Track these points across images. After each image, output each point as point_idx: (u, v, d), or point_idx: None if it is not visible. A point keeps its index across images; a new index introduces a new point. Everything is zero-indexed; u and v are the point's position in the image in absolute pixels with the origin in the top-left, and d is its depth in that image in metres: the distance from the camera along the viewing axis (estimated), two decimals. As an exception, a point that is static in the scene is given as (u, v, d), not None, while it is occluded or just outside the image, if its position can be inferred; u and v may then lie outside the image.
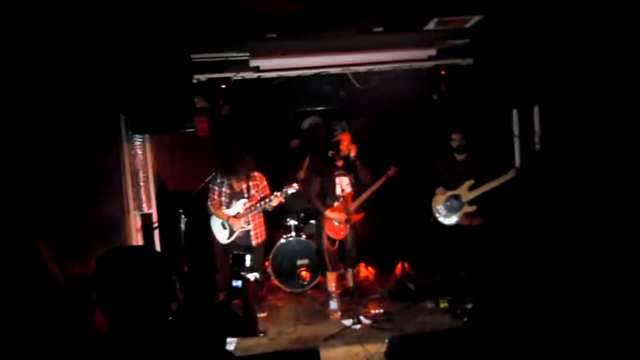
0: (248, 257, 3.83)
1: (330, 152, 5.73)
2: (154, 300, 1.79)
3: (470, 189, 5.63)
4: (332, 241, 5.83)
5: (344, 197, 5.68)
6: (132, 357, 1.74)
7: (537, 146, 5.93)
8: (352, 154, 5.65)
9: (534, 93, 5.49)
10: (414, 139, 6.77)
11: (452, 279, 5.87)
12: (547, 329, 1.61)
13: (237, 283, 3.56)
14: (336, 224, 5.75)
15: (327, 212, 5.73)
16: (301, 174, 6.77)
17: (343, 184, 5.75)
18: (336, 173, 5.76)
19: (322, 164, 5.93)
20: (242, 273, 3.65)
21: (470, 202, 5.63)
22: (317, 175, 5.92)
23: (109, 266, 1.78)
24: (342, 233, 5.72)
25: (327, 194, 5.81)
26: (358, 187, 5.74)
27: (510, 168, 5.54)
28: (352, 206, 5.62)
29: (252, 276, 3.67)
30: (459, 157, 5.77)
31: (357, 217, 5.76)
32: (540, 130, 5.89)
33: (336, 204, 5.73)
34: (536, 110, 5.97)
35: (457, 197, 5.72)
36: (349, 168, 5.73)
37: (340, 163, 5.73)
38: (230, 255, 3.99)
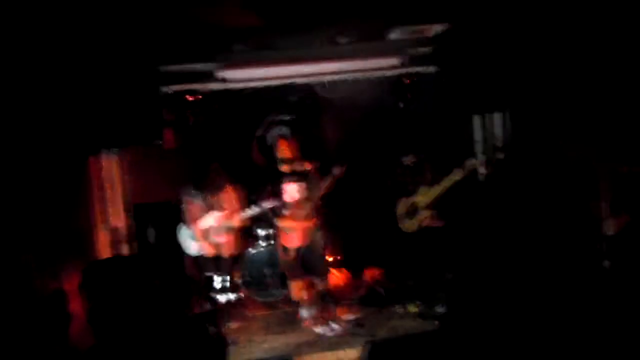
0: (219, 280, 3.81)
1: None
2: (139, 307, 1.79)
3: (424, 194, 5.77)
4: (287, 250, 5.74)
5: (293, 203, 5.62)
6: None
7: (498, 151, 6.11)
8: (308, 167, 5.52)
9: (496, 99, 5.67)
10: (380, 147, 6.86)
11: (421, 282, 5.97)
12: (517, 326, 1.69)
13: (207, 305, 3.54)
14: (288, 232, 5.67)
15: (277, 222, 5.68)
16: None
17: (292, 191, 5.62)
18: (284, 179, 5.62)
19: (273, 172, 5.79)
20: (212, 295, 3.62)
21: (428, 207, 5.75)
22: (267, 185, 5.80)
23: (95, 276, 1.79)
24: (296, 241, 5.64)
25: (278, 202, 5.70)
26: (310, 193, 5.57)
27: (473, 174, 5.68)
28: (303, 211, 5.52)
29: (223, 298, 3.64)
30: (409, 162, 5.91)
31: (306, 224, 5.58)
32: (502, 135, 6.08)
33: (287, 212, 5.65)
34: (497, 116, 6.16)
35: (414, 203, 5.85)
36: (297, 174, 5.56)
37: (285, 168, 5.59)
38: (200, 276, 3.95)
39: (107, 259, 2.19)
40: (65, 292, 3.73)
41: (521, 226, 5.39)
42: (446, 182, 5.53)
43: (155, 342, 1.83)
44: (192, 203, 5.62)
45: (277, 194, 5.67)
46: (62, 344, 3.48)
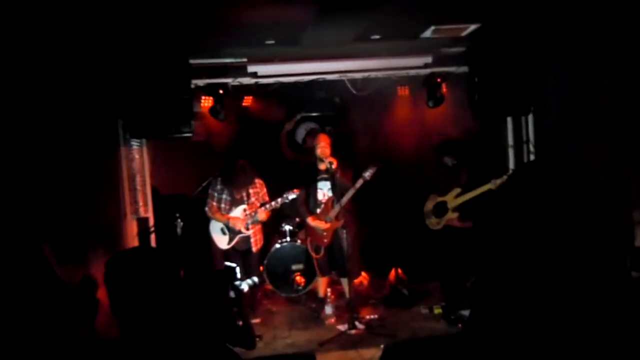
0: (238, 269, 3.85)
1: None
2: (163, 300, 1.81)
3: (457, 196, 5.73)
4: (317, 249, 5.76)
5: (325, 202, 5.64)
6: (142, 357, 1.76)
7: (531, 155, 5.99)
8: (333, 166, 5.41)
9: (529, 101, 5.56)
10: (410, 145, 6.81)
11: (446, 284, 5.91)
12: (544, 334, 1.64)
13: (232, 294, 3.59)
14: (318, 231, 5.67)
15: (309, 220, 5.67)
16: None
17: (325, 189, 5.62)
18: (318, 177, 5.65)
19: (307, 169, 5.79)
20: (236, 283, 3.67)
21: (455, 209, 5.72)
22: (302, 182, 5.76)
23: (119, 268, 1.81)
24: (325, 240, 5.66)
25: (310, 200, 5.72)
26: (339, 192, 5.50)
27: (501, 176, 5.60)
28: (333, 212, 5.49)
29: (245, 285, 3.70)
30: (449, 162, 5.85)
31: (337, 224, 5.56)
32: (535, 139, 5.96)
33: (319, 210, 5.67)
34: (530, 118, 6.04)
35: (443, 202, 5.83)
36: (331, 172, 5.49)
37: (322, 167, 5.58)
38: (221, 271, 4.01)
39: (131, 249, 2.23)
40: (93, 279, 3.82)
41: (549, 233, 5.26)
42: (482, 189, 5.47)
43: (181, 333, 1.85)
44: (218, 196, 5.66)
45: (308, 190, 5.69)
46: (90, 330, 3.56)
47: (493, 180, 5.41)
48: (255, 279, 3.72)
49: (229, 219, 5.62)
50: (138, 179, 5.50)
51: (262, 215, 5.62)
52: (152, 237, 5.67)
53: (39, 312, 3.07)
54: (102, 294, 3.78)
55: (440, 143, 6.03)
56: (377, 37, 5.21)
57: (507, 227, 1.61)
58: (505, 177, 5.37)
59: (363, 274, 6.95)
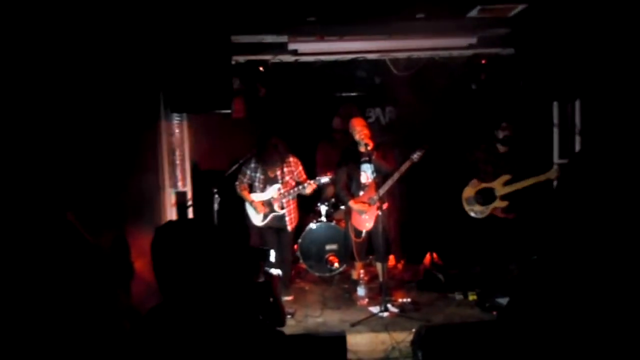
0: (273, 253, 3.85)
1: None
2: (210, 273, 1.82)
3: (506, 183, 5.52)
4: (358, 233, 5.76)
5: (368, 185, 5.60)
6: (182, 326, 1.79)
7: (578, 142, 5.79)
8: (369, 147, 5.42)
9: (576, 86, 5.35)
10: (450, 128, 6.67)
11: (483, 271, 5.81)
12: (585, 328, 1.59)
13: (262, 277, 3.63)
14: (361, 214, 5.67)
15: (351, 203, 5.65)
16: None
17: (368, 172, 5.56)
18: (361, 160, 5.60)
19: (348, 152, 5.78)
20: (266, 269, 3.70)
21: (503, 197, 5.54)
22: (343, 165, 5.76)
23: (169, 236, 1.82)
24: (367, 224, 5.63)
25: (352, 183, 5.70)
26: (381, 175, 5.50)
27: (548, 164, 5.41)
28: (376, 195, 5.44)
29: (275, 271, 3.73)
30: (502, 149, 5.65)
31: (380, 206, 5.44)
32: (582, 125, 5.74)
33: (361, 193, 5.66)
34: (578, 104, 5.82)
35: (490, 190, 5.62)
36: (370, 154, 5.47)
37: (363, 149, 5.51)
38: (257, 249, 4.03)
39: (183, 219, 2.24)
40: (126, 241, 3.89)
41: (597, 225, 5.07)
42: (538, 179, 5.26)
43: (220, 307, 1.86)
44: (251, 174, 5.69)
45: (350, 173, 5.65)
46: (127, 293, 3.64)
47: (553, 169, 5.23)
48: (280, 271, 3.76)
49: (252, 201, 5.66)
50: (177, 153, 5.57)
51: (309, 189, 5.59)
52: (190, 210, 5.74)
53: (74, 276, 3.15)
54: (139, 263, 3.86)
55: (488, 129, 5.81)
56: (422, 15, 5.09)
57: (557, 219, 1.55)
58: (562, 168, 5.20)
59: (400, 256, 6.92)
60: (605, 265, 1.48)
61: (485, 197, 5.63)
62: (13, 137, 3.13)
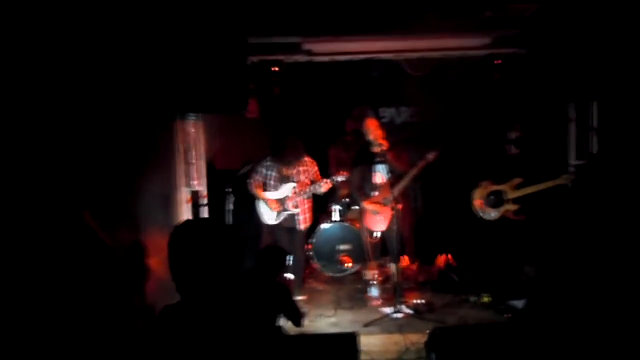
0: (290, 258, 3.87)
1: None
2: (224, 270, 1.84)
3: (517, 186, 5.46)
4: (371, 233, 5.73)
5: (382, 185, 5.57)
6: (198, 322, 1.80)
7: (595, 144, 5.73)
8: (383, 147, 5.39)
9: (594, 87, 5.29)
10: (464, 128, 6.64)
11: (497, 273, 5.76)
12: (599, 330, 1.58)
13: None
14: (375, 215, 5.64)
15: (365, 204, 5.63)
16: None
17: (383, 172, 5.52)
18: (375, 160, 5.56)
19: (362, 153, 5.73)
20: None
21: (514, 201, 5.49)
22: (357, 165, 5.74)
23: (186, 234, 1.84)
24: (381, 225, 5.61)
25: (366, 184, 5.67)
26: (395, 175, 5.47)
27: (561, 167, 5.35)
28: (391, 195, 5.40)
29: (290, 276, 3.75)
30: (513, 150, 5.61)
31: (394, 207, 5.43)
32: (599, 127, 5.68)
33: (376, 193, 5.62)
34: (595, 105, 5.76)
35: (500, 192, 5.56)
36: (383, 155, 5.46)
37: (377, 150, 5.46)
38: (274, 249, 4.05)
39: (200, 219, 2.26)
40: (142, 244, 3.92)
41: (612, 226, 5.02)
42: (550, 183, 5.21)
43: (236, 306, 1.88)
44: (265, 172, 5.70)
45: (364, 173, 5.64)
46: (141, 294, 3.67)
47: (564, 175, 5.18)
48: (292, 276, 3.76)
49: (266, 199, 5.66)
50: (193, 152, 5.60)
51: (324, 187, 5.53)
52: (204, 210, 5.77)
53: (89, 276, 3.18)
54: (153, 262, 3.89)
55: (501, 131, 5.76)
56: (436, 15, 5.07)
57: (570, 220, 1.54)
58: (576, 173, 5.13)
59: (413, 257, 6.90)
60: (621, 268, 1.47)
61: (496, 199, 5.58)
62: (30, 137, 3.17)
